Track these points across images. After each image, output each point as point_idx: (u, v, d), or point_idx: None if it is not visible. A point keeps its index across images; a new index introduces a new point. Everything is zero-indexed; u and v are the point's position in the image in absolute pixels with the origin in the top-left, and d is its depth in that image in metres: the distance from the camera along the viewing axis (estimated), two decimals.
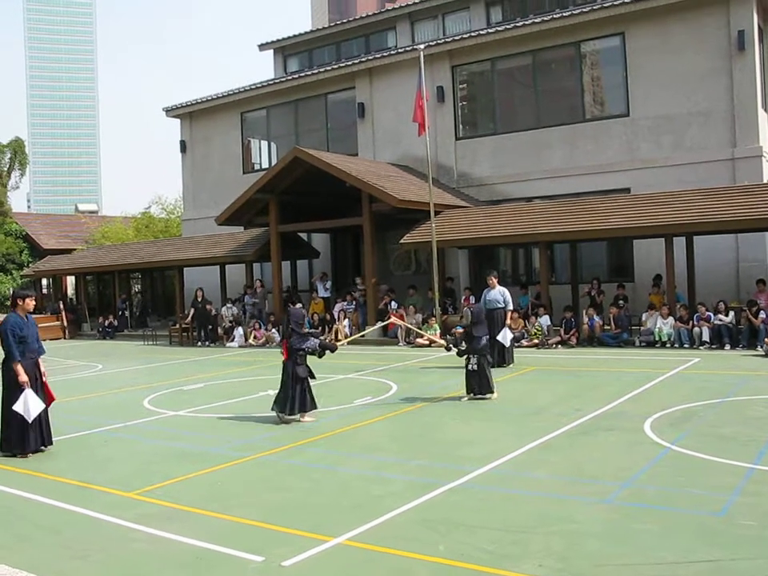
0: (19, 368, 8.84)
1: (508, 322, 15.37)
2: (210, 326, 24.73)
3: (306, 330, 11.37)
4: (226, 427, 10.52)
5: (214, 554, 5.55)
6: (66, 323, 30.42)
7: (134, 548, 5.80)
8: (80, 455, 8.82)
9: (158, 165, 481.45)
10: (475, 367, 11.61)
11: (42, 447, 9.15)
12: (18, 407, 8.78)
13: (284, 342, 10.79)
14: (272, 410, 10.57)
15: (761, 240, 20.20)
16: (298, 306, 18.34)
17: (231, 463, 8.28)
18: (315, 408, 10.61)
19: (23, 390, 8.81)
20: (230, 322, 24.48)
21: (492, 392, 11.63)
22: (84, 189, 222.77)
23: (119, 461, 8.79)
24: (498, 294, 15.66)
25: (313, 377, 10.69)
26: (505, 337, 14.87)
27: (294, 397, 10.35)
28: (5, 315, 9.56)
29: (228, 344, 23.57)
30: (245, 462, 8.35)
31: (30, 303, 9.34)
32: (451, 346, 12.64)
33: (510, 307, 15.70)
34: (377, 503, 6.58)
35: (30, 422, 8.83)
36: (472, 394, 11.66)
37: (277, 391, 10.68)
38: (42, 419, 9.10)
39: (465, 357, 11.88)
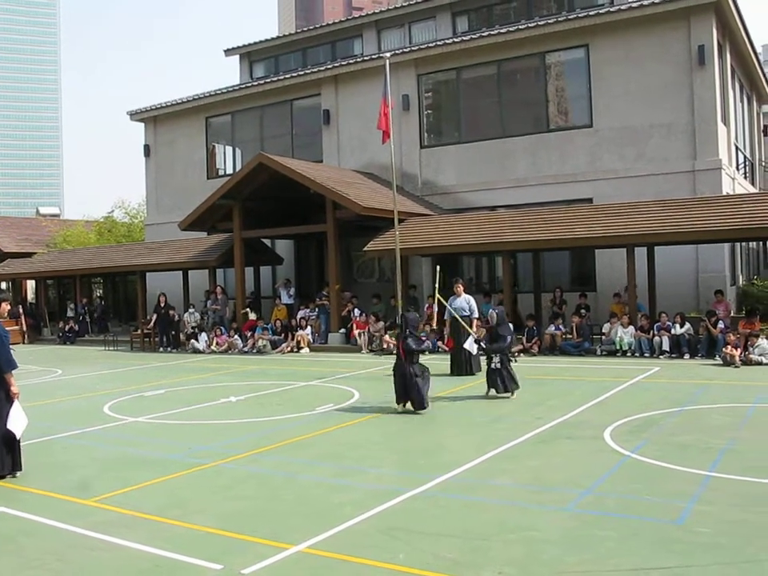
0: (13, 378, 8.07)
1: (474, 329, 15.38)
2: (173, 332, 24.55)
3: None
4: (186, 434, 10.44)
5: (172, 562, 5.50)
6: (25, 328, 29.96)
7: (92, 556, 5.73)
8: (38, 462, 8.66)
9: (122, 169, 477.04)
10: (498, 365, 12.24)
11: (17, 473, 8.18)
12: (11, 424, 7.93)
13: (400, 343, 11.65)
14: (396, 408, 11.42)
15: (719, 251, 20.53)
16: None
17: (191, 470, 8.21)
18: (427, 407, 11.29)
19: (11, 403, 8.03)
20: (193, 327, 24.31)
21: (510, 391, 12.27)
22: (46, 192, 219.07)
23: (78, 467, 8.66)
24: (464, 301, 15.69)
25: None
26: (471, 345, 14.87)
27: (420, 392, 11.17)
28: None
29: (194, 345, 23.34)
30: (204, 469, 8.28)
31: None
32: (477, 338, 13.80)
33: (476, 315, 15.75)
34: (337, 511, 6.56)
35: (18, 438, 8.06)
36: (494, 391, 12.37)
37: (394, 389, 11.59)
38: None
39: (486, 356, 12.68)
